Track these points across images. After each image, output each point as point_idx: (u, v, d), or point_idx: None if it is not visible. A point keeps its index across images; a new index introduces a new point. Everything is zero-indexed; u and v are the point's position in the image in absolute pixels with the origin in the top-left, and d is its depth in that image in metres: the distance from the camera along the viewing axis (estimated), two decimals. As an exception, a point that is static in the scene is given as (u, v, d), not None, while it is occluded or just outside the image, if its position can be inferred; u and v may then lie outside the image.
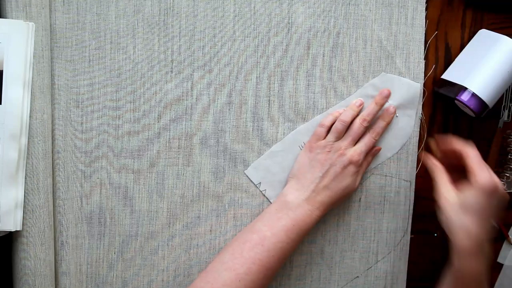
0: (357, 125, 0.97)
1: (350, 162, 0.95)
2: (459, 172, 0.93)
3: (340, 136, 0.97)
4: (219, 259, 0.92)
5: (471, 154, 0.89)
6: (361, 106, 0.99)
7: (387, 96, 0.99)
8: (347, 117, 0.98)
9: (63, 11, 0.94)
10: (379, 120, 0.99)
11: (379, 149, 1.01)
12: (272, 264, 0.91)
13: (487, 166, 0.88)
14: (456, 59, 1.03)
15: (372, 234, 1.04)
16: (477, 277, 0.87)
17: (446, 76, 1.01)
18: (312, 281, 1.04)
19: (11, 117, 0.89)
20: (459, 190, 0.89)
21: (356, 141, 0.97)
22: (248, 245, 0.91)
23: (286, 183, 0.98)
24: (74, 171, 0.97)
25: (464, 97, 0.98)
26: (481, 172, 0.87)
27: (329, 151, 0.95)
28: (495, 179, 0.87)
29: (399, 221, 1.05)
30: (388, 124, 1.00)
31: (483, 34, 1.02)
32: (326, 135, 0.98)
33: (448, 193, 0.90)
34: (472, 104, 0.97)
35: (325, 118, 0.99)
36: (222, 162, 1.00)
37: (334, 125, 0.98)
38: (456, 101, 0.99)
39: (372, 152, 1.00)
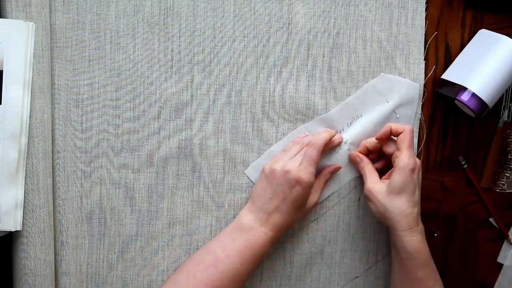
0: (308, 148, 0.95)
1: (297, 182, 0.92)
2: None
3: (292, 156, 0.95)
4: (173, 279, 0.92)
5: (405, 132, 0.95)
6: (331, 137, 0.98)
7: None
8: (305, 140, 0.97)
9: (63, 11, 0.94)
10: (319, 132, 0.98)
11: (338, 168, 1.01)
12: (226, 286, 0.90)
13: (412, 145, 0.95)
14: (456, 59, 1.03)
15: (372, 234, 1.04)
16: (422, 250, 0.93)
17: (446, 76, 1.01)
18: (312, 281, 1.04)
19: (11, 117, 0.89)
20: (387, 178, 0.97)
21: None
22: (202, 266, 0.91)
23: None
24: (74, 171, 0.97)
25: (464, 97, 0.97)
26: (403, 153, 0.93)
27: (274, 170, 0.94)
28: (414, 158, 0.94)
29: (399, 222, 1.05)
30: (336, 146, 1.00)
31: (483, 34, 1.02)
32: None
33: (374, 184, 0.96)
34: (472, 104, 0.97)
35: (288, 144, 0.99)
36: (222, 162, 1.00)
37: (288, 145, 0.98)
38: (456, 101, 0.99)
39: (328, 170, 1.00)
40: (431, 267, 0.95)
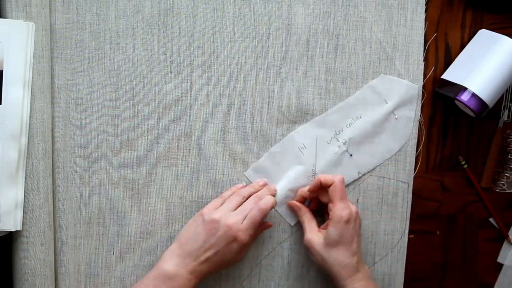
0: (252, 202, 0.94)
1: (235, 239, 0.91)
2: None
3: (234, 208, 0.94)
4: None
5: (335, 184, 0.95)
6: (263, 186, 0.99)
7: (264, 184, 1.00)
8: (245, 192, 0.96)
9: (63, 11, 0.94)
10: (268, 196, 0.96)
11: (270, 226, 1.00)
12: None
13: (344, 196, 0.95)
14: (456, 59, 1.02)
15: (369, 236, 1.04)
16: None
17: (446, 76, 1.01)
18: (310, 282, 1.04)
19: (11, 117, 0.89)
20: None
21: (246, 216, 0.94)
22: None
23: (169, 246, 0.94)
24: (73, 171, 0.97)
25: (464, 97, 0.97)
26: (336, 206, 0.94)
27: (216, 221, 0.91)
28: (348, 209, 0.94)
29: (397, 223, 1.05)
30: (274, 205, 0.97)
31: (483, 34, 1.02)
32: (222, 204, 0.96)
33: (312, 234, 0.97)
34: (472, 104, 0.97)
35: (226, 192, 0.98)
36: (221, 163, 1.00)
37: (232, 197, 0.96)
38: (456, 101, 0.99)
39: (260, 228, 0.99)
40: None
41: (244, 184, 1.00)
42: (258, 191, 0.98)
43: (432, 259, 1.08)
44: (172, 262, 0.91)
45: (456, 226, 1.08)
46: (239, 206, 0.94)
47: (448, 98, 1.00)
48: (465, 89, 0.97)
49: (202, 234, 0.91)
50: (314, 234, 0.96)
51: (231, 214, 0.92)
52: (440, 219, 1.07)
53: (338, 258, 0.93)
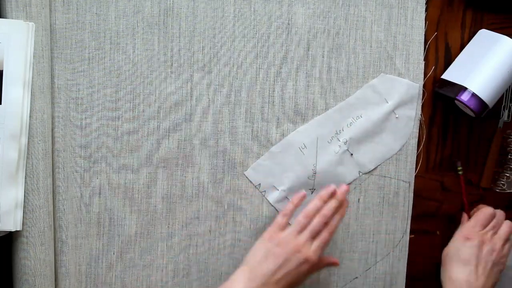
0: (318, 221, 0.94)
1: (306, 261, 0.92)
2: None
3: (302, 230, 0.94)
4: None
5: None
6: (332, 196, 0.96)
7: (334, 193, 0.96)
8: (312, 211, 0.95)
9: (63, 11, 0.94)
10: (336, 215, 0.96)
11: (336, 264, 1.00)
12: None
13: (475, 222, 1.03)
14: (456, 59, 1.03)
15: (371, 235, 1.04)
16: None
17: (446, 76, 1.01)
18: (311, 282, 1.04)
19: (11, 117, 0.89)
20: None
21: (314, 237, 0.94)
22: None
23: (237, 269, 0.93)
24: (74, 171, 0.97)
25: (464, 97, 0.98)
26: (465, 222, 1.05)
27: (286, 245, 0.92)
28: (475, 229, 1.03)
29: (398, 222, 1.05)
30: (343, 217, 0.97)
31: (483, 34, 1.02)
32: (287, 223, 0.96)
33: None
34: (472, 104, 0.97)
35: (287, 207, 0.97)
36: (221, 163, 1.00)
37: (298, 219, 0.95)
38: (456, 101, 0.99)
39: (332, 261, 0.99)
40: None
41: (304, 192, 0.98)
42: (325, 202, 0.96)
43: (432, 259, 1.08)
44: (242, 284, 0.91)
45: (456, 226, 1.08)
46: (306, 227, 0.94)
47: (448, 98, 1.01)
48: (465, 89, 0.98)
49: (272, 258, 0.91)
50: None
51: (300, 236, 0.93)
52: (440, 219, 1.08)
53: (446, 274, 1.02)
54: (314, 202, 0.95)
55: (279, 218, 0.95)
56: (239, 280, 0.91)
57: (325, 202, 0.96)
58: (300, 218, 0.95)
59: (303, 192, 0.98)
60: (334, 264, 0.99)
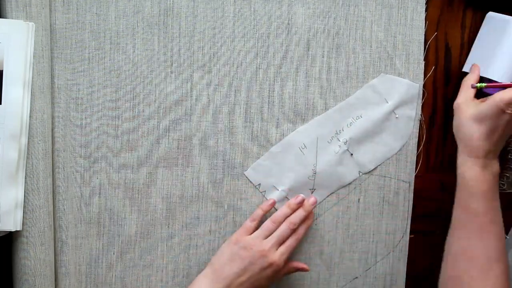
0: (285, 228, 0.97)
1: (270, 265, 0.94)
2: None
3: (268, 235, 0.96)
4: None
5: None
6: (300, 205, 0.99)
7: (301, 202, 0.99)
8: (280, 217, 0.97)
9: (63, 11, 0.94)
10: (302, 224, 0.99)
11: (306, 269, 1.01)
12: None
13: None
14: (472, 49, 1.03)
15: (371, 235, 1.04)
16: (479, 180, 0.92)
17: (467, 68, 1.01)
18: (311, 282, 1.04)
19: (11, 117, 0.89)
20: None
21: (280, 243, 0.96)
22: None
23: (201, 272, 0.96)
24: (74, 171, 0.97)
25: (491, 89, 0.98)
26: (504, 91, 0.89)
27: (251, 248, 0.94)
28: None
29: (398, 222, 1.05)
30: (310, 226, 0.99)
31: (492, 18, 1.00)
32: (255, 228, 0.98)
33: (465, 101, 0.94)
34: None
35: (256, 212, 0.98)
36: (221, 163, 1.00)
37: (266, 223, 0.97)
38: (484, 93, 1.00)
39: (302, 266, 1.00)
40: (490, 204, 0.92)
41: (273, 200, 1.00)
42: (293, 211, 0.98)
43: (432, 259, 1.08)
44: (206, 286, 0.93)
45: (456, 226, 1.08)
46: (272, 232, 0.96)
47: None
48: (488, 80, 0.97)
49: (237, 260, 0.93)
50: (466, 101, 0.94)
51: (266, 241, 0.95)
52: (440, 219, 1.07)
53: (474, 136, 0.92)
54: (282, 209, 0.98)
55: (248, 222, 0.98)
56: (202, 282, 0.93)
57: (293, 210, 0.98)
58: (267, 223, 0.97)
59: (272, 199, 1.00)
60: (303, 269, 1.00)
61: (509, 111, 0.88)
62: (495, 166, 0.93)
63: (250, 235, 0.96)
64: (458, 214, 0.95)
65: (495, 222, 0.92)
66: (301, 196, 1.00)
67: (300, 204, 0.99)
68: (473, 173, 0.92)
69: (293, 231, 0.97)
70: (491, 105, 0.89)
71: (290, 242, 0.97)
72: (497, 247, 0.91)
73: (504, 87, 0.92)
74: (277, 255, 0.95)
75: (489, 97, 0.91)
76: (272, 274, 0.95)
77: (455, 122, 0.95)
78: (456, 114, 0.95)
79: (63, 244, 0.96)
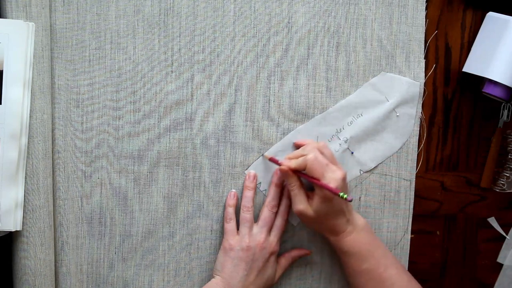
0: (268, 213, 0.98)
1: (271, 254, 0.97)
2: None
3: (252, 224, 0.97)
4: None
5: (309, 161, 0.92)
6: (255, 179, 1.00)
7: (255, 177, 1.00)
8: (248, 202, 0.98)
9: (63, 11, 0.94)
10: (283, 200, 1.00)
11: (307, 253, 1.03)
12: None
13: (326, 169, 0.92)
14: (472, 49, 1.03)
15: (372, 234, 1.04)
16: (359, 245, 0.95)
17: (467, 68, 1.02)
18: (313, 281, 1.04)
19: (11, 117, 0.89)
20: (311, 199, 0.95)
21: (270, 228, 0.98)
22: None
23: (211, 281, 0.97)
24: (74, 171, 0.96)
25: (490, 88, 0.98)
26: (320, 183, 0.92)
27: (248, 247, 0.95)
28: (334, 182, 0.91)
29: (399, 220, 1.05)
30: (289, 199, 0.98)
31: (492, 18, 1.01)
32: (236, 226, 0.98)
33: (304, 207, 0.94)
34: (499, 93, 0.99)
35: (227, 212, 0.99)
36: (222, 162, 1.00)
37: (242, 216, 0.98)
38: (483, 93, 1.00)
39: (297, 254, 1.02)
40: (376, 255, 0.95)
41: (233, 191, 1.00)
42: (254, 187, 0.99)
43: (432, 259, 1.08)
44: None
45: (456, 226, 1.08)
46: (253, 218, 0.98)
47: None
48: (488, 80, 0.98)
49: (241, 264, 0.95)
50: (304, 205, 0.94)
51: (257, 233, 0.97)
52: (440, 219, 1.08)
53: (329, 225, 0.95)
54: (245, 195, 0.99)
55: (227, 226, 0.98)
56: None
57: (253, 189, 0.99)
58: (243, 215, 0.98)
59: (232, 191, 1.00)
60: (305, 254, 1.03)
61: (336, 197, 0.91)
62: (360, 222, 0.96)
63: (237, 235, 0.97)
64: (354, 276, 0.97)
65: (387, 266, 0.96)
66: (253, 172, 1.00)
67: (254, 178, 1.00)
68: (348, 244, 0.95)
69: (276, 213, 0.99)
70: (322, 203, 0.92)
71: (279, 223, 0.98)
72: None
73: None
74: (273, 242, 0.97)
75: (315, 192, 0.92)
76: (274, 259, 0.98)
77: (307, 225, 1.00)
78: (303, 219, 0.97)
79: (64, 243, 0.96)
